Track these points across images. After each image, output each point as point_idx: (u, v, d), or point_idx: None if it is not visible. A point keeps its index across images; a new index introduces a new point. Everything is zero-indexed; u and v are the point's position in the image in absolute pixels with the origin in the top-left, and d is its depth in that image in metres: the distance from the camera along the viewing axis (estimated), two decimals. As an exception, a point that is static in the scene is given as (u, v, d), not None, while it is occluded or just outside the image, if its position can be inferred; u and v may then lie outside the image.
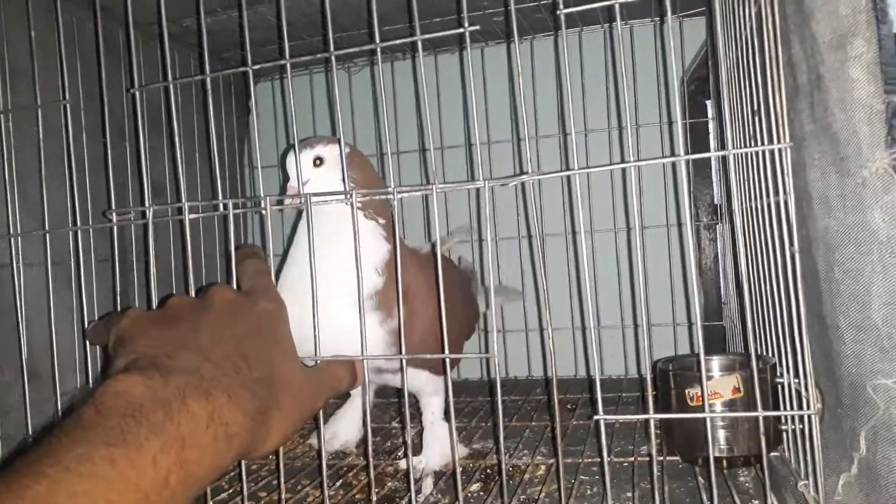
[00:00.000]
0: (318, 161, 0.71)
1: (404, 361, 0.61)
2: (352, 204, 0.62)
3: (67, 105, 0.73)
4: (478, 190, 0.60)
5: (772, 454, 0.72)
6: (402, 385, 0.62)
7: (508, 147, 1.23)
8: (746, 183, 0.78)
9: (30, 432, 0.73)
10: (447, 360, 0.60)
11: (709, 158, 1.17)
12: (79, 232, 0.73)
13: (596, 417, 0.57)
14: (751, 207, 0.78)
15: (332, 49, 0.62)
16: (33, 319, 0.76)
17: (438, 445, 0.80)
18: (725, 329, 1.15)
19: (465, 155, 1.25)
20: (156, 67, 0.89)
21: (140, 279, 0.87)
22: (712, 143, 1.17)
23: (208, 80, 0.67)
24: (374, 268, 0.70)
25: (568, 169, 0.60)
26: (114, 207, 0.71)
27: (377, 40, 0.61)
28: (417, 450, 0.82)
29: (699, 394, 0.66)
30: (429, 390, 0.80)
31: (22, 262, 0.76)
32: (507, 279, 1.24)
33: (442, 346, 0.59)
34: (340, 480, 0.79)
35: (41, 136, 0.74)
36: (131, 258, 0.90)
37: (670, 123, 1.18)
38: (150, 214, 0.68)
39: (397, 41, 0.61)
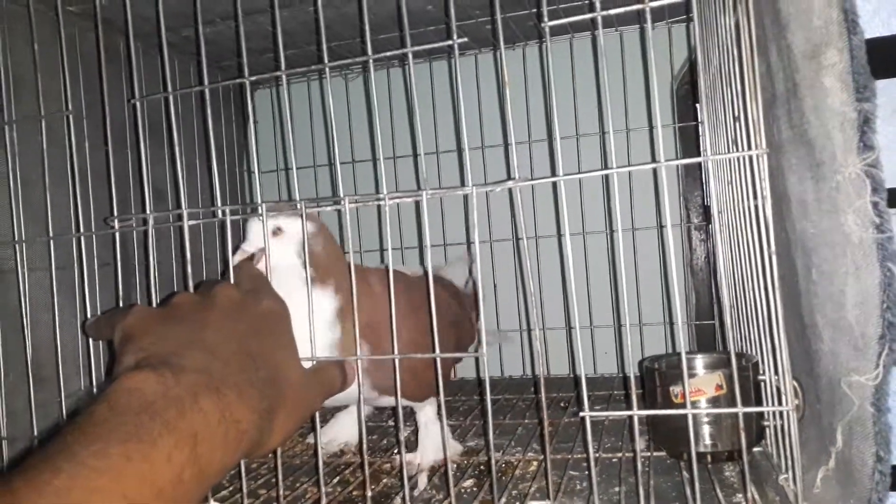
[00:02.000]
0: (278, 231, 0.72)
1: (397, 361, 0.63)
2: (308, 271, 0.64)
3: (70, 115, 0.75)
4: (466, 195, 0.62)
5: (755, 449, 0.74)
6: (395, 390, 0.64)
7: (502, 151, 1.26)
8: (730, 186, 0.81)
9: (35, 434, 0.75)
10: (437, 363, 0.62)
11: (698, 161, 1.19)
12: (82, 238, 0.75)
13: (582, 414, 0.60)
14: (734, 210, 0.80)
15: (326, 60, 0.64)
16: (38, 323, 0.79)
17: (433, 442, 0.82)
18: (716, 328, 1.17)
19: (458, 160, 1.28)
20: (158, 75, 0.91)
21: (142, 284, 0.89)
22: (701, 146, 1.19)
23: (206, 91, 0.69)
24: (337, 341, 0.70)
25: (554, 175, 0.62)
26: (115, 214, 0.73)
27: (370, 52, 0.63)
28: (413, 448, 0.84)
29: (683, 391, 0.68)
30: (419, 404, 0.83)
31: (27, 267, 0.78)
32: (502, 281, 1.27)
33: (434, 368, 0.62)
34: (338, 477, 0.81)
35: (45, 146, 0.76)
36: (133, 263, 0.92)
37: (653, 128, 1.20)
38: (150, 221, 0.70)
39: (388, 53, 0.63)
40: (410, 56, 0.62)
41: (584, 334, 1.21)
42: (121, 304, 0.82)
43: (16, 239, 0.78)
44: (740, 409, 0.57)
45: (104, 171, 0.76)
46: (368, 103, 1.27)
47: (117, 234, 0.75)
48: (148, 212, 0.70)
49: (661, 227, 1.20)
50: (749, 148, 0.62)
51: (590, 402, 1.05)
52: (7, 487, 0.34)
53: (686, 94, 1.23)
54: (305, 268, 0.68)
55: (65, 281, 0.80)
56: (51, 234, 0.76)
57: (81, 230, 0.76)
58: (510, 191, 0.63)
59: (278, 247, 0.71)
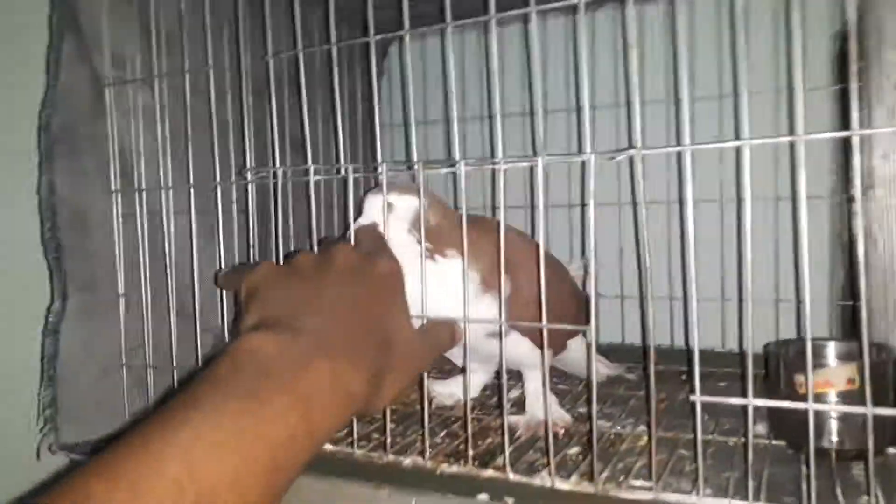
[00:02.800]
0: (389, 206, 0.71)
1: (504, 327, 0.64)
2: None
3: (211, 71, 0.79)
4: (583, 163, 0.60)
5: (890, 450, 0.69)
6: (500, 353, 0.64)
7: (611, 116, 1.19)
8: (887, 161, 0.73)
9: (174, 364, 0.82)
10: (545, 333, 0.62)
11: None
12: (218, 187, 0.80)
13: (692, 398, 0.57)
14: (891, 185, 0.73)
15: (448, 20, 0.64)
16: (180, 263, 0.85)
17: (541, 408, 0.82)
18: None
19: (566, 125, 1.23)
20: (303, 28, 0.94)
21: (273, 233, 0.93)
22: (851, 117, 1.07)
23: (334, 49, 0.70)
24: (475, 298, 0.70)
25: (679, 144, 0.59)
26: (251, 165, 0.77)
27: (492, 11, 0.62)
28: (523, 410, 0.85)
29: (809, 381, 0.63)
30: (530, 363, 0.82)
31: (172, 211, 0.85)
32: (603, 250, 1.21)
33: (547, 317, 0.61)
34: (446, 430, 0.83)
35: (189, 99, 0.81)
36: (269, 212, 0.97)
37: (787, 94, 1.09)
38: (280, 175, 0.73)
39: (511, 12, 0.61)
40: (534, 15, 0.60)
41: (707, 308, 1.14)
42: (253, 251, 0.87)
43: (162, 185, 0.85)
44: (870, 410, 0.53)
45: (247, 124, 0.79)
46: (488, 64, 1.26)
47: (251, 186, 0.79)
48: (277, 166, 0.73)
49: (794, 200, 1.10)
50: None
51: (711, 379, 1.01)
52: (143, 433, 0.38)
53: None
54: (421, 242, 0.69)
55: (204, 225, 0.86)
56: (191, 182, 0.82)
57: (219, 179, 0.81)
58: (630, 159, 0.60)
59: (391, 223, 0.71)
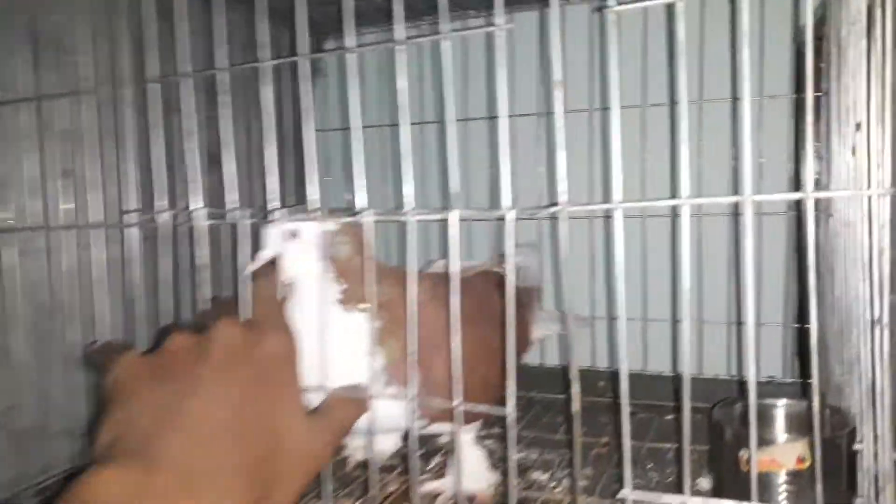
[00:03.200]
0: (294, 235, 0.62)
1: (414, 402, 0.56)
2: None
3: (95, 93, 0.70)
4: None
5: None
6: (412, 424, 0.56)
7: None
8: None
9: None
10: (461, 409, 0.54)
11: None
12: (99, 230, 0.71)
13: (621, 495, 0.50)
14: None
15: (352, 44, 0.55)
16: (70, 309, 0.76)
17: (467, 468, 0.74)
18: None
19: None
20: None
21: (182, 270, 0.83)
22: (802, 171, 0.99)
23: (225, 74, 0.61)
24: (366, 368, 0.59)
25: (607, 200, 0.51)
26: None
27: (402, 35, 0.53)
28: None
29: (759, 460, 0.57)
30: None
31: (58, 250, 0.76)
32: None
33: (469, 391, 0.53)
34: (366, 493, 0.76)
35: (83, 119, 0.72)
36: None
37: (737, 99, 1.03)
38: (168, 218, 0.64)
39: (421, 38, 0.53)
40: (447, 43, 0.52)
41: (660, 329, 1.08)
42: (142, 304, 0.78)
43: (44, 224, 0.76)
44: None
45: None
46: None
47: (126, 231, 0.70)
48: (157, 209, 0.64)
49: (736, 214, 1.03)
50: (868, 182, 0.48)
51: (659, 413, 0.94)
52: None
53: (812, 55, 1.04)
54: (331, 275, 0.60)
55: (100, 266, 0.77)
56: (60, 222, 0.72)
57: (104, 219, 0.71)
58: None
59: (297, 252, 0.63)
